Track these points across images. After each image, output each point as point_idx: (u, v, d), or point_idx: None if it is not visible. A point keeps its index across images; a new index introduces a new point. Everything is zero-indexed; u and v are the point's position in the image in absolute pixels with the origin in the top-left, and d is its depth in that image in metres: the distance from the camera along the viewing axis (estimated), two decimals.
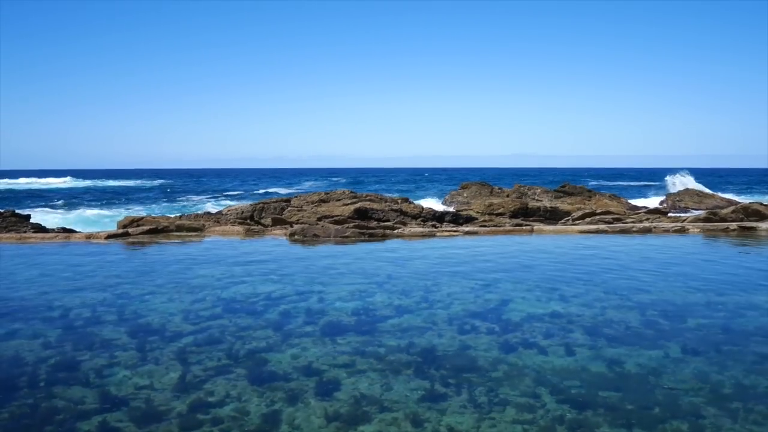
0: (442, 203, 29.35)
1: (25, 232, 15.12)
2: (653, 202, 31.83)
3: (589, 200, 24.75)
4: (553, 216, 19.59)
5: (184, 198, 43.95)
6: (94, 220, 27.34)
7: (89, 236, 14.13)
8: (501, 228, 15.98)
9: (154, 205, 36.73)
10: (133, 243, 13.27)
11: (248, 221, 18.04)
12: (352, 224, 15.39)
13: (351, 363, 5.29)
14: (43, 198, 42.21)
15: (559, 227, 16.05)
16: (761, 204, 17.84)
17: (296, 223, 16.00)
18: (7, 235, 14.18)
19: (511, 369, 5.13)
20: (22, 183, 65.76)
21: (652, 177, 78.81)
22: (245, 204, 21.51)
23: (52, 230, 16.07)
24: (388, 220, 16.84)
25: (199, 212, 21.90)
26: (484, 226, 16.56)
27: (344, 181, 70.85)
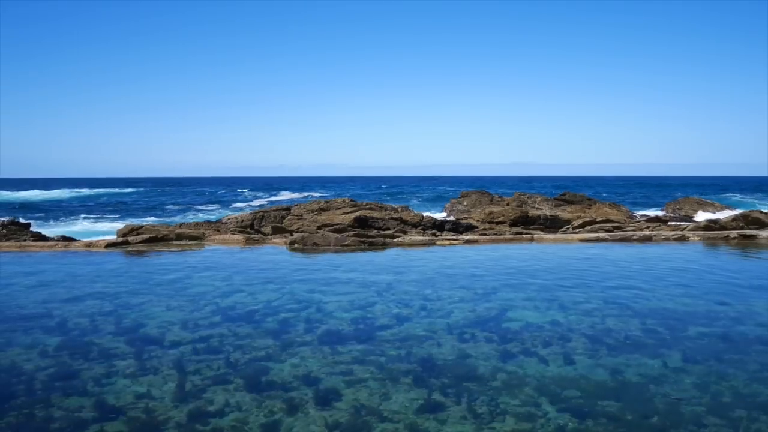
0: (442, 212, 29.35)
1: (25, 240, 15.11)
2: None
3: (589, 208, 24.75)
4: (553, 224, 19.59)
5: (181, 208, 43.95)
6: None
7: (89, 245, 14.12)
8: (501, 236, 15.97)
9: (152, 217, 36.74)
10: (132, 252, 13.26)
11: (248, 230, 18.04)
12: (352, 233, 15.38)
13: (351, 372, 5.27)
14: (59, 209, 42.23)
15: (559, 236, 16.04)
16: (761, 212, 17.84)
17: (296, 232, 16.00)
18: (7, 243, 14.18)
19: (511, 378, 5.11)
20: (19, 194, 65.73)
21: (654, 186, 78.92)
22: (245, 212, 21.52)
23: (52, 239, 16.07)
24: (388, 229, 16.84)
25: (199, 221, 21.90)
26: (484, 234, 16.55)
27: (350, 194, 70.89)
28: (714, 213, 27.75)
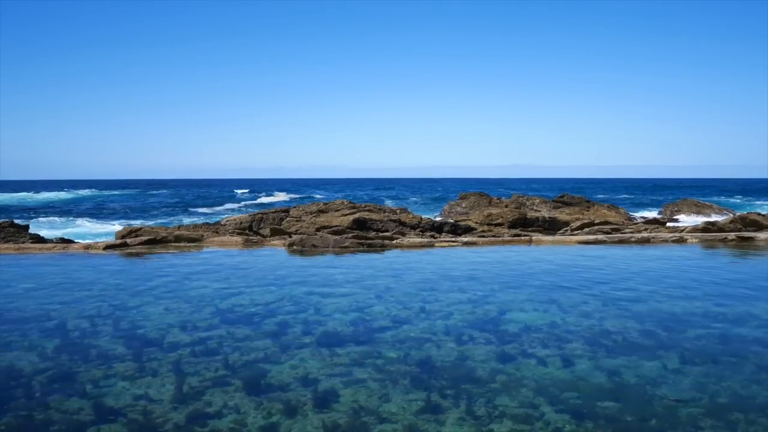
0: (441, 213, 29.36)
1: (23, 242, 15.10)
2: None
3: (587, 210, 24.77)
4: (551, 226, 19.61)
5: (182, 209, 43.92)
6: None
7: (87, 247, 14.11)
8: (499, 238, 15.98)
9: (154, 220, 36.70)
10: (131, 254, 13.25)
11: (247, 232, 18.03)
12: (350, 234, 15.38)
13: (349, 374, 5.27)
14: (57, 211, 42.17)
15: (557, 237, 16.05)
16: (759, 214, 17.87)
17: (295, 234, 16.00)
18: (6, 245, 14.16)
19: (510, 380, 5.12)
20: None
21: (653, 188, 79.04)
22: (244, 214, 21.52)
23: (51, 241, 16.05)
24: (387, 231, 16.84)
25: (197, 222, 21.89)
26: (483, 236, 16.57)
27: (345, 193, 70.89)
28: (710, 215, 27.81)
